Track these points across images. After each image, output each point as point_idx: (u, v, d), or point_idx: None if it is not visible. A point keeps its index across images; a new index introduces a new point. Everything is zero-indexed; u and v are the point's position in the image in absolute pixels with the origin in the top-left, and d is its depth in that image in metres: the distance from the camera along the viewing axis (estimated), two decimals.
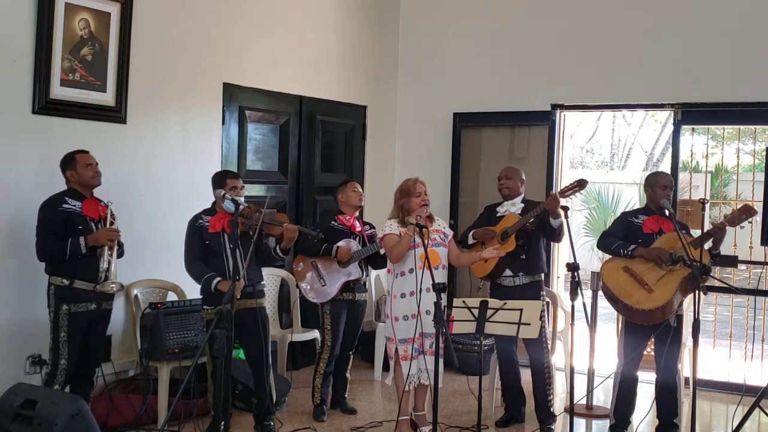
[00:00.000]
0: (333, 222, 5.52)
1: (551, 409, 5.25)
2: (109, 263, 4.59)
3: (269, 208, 4.79)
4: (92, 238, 4.54)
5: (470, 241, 5.29)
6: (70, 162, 4.64)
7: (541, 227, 5.09)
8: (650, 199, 5.05)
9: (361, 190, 5.65)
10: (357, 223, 5.57)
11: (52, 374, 4.51)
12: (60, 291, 4.53)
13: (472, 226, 5.41)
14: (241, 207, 4.75)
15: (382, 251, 5.27)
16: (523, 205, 5.20)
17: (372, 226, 5.73)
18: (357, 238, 5.53)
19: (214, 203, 4.98)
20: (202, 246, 4.89)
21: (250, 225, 4.80)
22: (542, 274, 5.27)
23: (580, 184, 4.89)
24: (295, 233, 4.94)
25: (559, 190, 4.98)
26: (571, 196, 5.03)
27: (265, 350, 4.99)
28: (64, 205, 4.56)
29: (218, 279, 4.76)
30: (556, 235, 5.08)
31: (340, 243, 5.43)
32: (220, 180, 4.94)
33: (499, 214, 5.26)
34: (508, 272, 5.15)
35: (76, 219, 4.56)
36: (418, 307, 4.72)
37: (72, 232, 4.52)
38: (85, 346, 4.67)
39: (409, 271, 4.91)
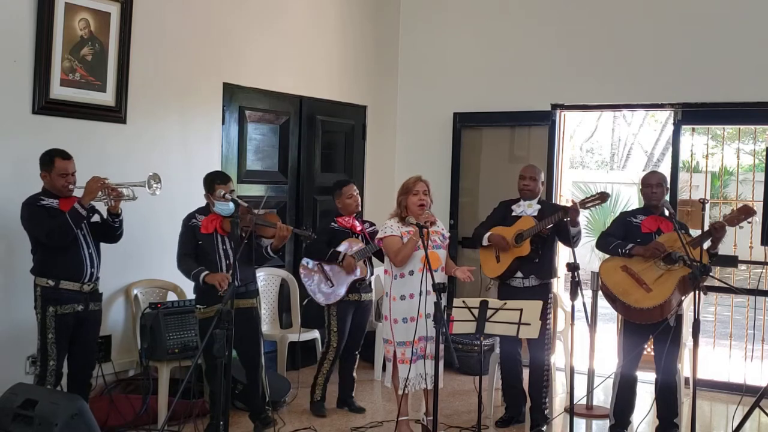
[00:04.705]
0: (333, 224, 5.52)
1: (545, 411, 5.26)
2: (127, 189, 4.63)
3: (263, 208, 4.76)
4: (84, 196, 4.42)
5: (485, 242, 5.25)
6: (47, 164, 4.49)
7: (557, 233, 5.11)
8: (644, 199, 5.09)
9: (357, 193, 5.60)
10: (357, 223, 5.58)
11: (42, 376, 4.47)
12: (46, 292, 4.46)
13: (486, 222, 5.37)
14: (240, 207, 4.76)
15: None
16: (539, 206, 5.21)
17: (372, 224, 5.73)
18: (359, 237, 5.53)
19: (207, 203, 4.97)
20: (195, 245, 4.88)
21: (241, 227, 4.78)
22: (552, 278, 5.27)
23: (602, 197, 4.96)
24: (287, 233, 4.93)
25: (580, 200, 5.00)
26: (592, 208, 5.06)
27: (258, 349, 4.99)
28: (42, 202, 4.47)
29: (206, 272, 4.72)
30: (573, 241, 5.06)
31: (343, 246, 5.41)
32: (209, 185, 4.87)
33: (515, 214, 5.26)
34: (519, 274, 5.16)
35: (56, 214, 4.44)
36: (419, 309, 4.69)
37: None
38: (78, 349, 4.61)
39: (410, 273, 4.88)
